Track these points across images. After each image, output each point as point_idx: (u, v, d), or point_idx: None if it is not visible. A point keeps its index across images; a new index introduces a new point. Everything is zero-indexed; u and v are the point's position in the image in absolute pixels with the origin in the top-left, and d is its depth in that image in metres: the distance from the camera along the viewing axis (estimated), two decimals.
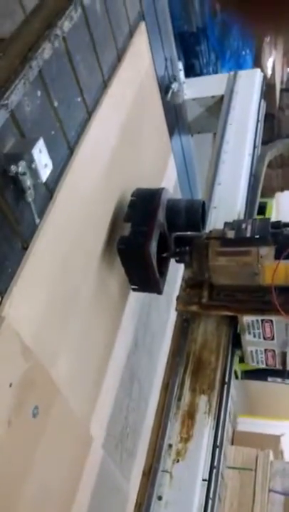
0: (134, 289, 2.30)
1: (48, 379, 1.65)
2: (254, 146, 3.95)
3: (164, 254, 2.25)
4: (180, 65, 3.37)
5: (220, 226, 2.42)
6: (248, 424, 5.75)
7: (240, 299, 2.53)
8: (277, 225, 2.34)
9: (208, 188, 3.69)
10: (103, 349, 2.17)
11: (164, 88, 2.90)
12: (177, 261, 2.41)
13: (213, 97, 4.31)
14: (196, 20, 4.76)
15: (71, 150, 1.80)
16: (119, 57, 2.25)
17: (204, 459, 2.51)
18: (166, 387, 2.75)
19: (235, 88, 4.28)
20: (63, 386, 1.74)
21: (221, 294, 2.57)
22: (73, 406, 1.84)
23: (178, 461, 2.52)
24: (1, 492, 1.44)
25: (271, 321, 2.55)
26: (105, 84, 2.10)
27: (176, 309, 2.78)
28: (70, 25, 1.73)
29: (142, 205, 2.14)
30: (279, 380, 2.97)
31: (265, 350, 2.68)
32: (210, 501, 2.40)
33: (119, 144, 2.19)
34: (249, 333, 2.63)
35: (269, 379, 3.02)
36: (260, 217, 5.80)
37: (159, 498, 2.44)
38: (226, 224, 2.38)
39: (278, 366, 2.71)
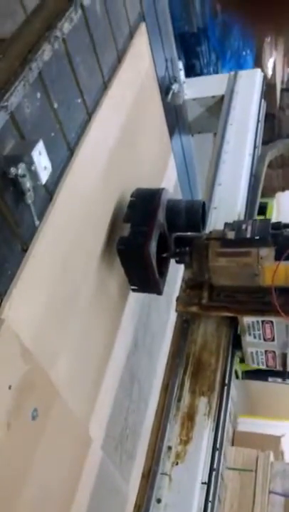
0: (133, 290, 2.30)
1: (47, 381, 1.64)
2: (254, 146, 3.95)
3: (164, 255, 2.24)
4: (180, 65, 3.37)
5: (220, 226, 2.42)
6: (248, 425, 5.74)
7: (240, 299, 2.53)
8: (278, 226, 2.34)
9: (208, 188, 3.68)
10: (103, 350, 2.17)
11: (165, 89, 2.90)
12: (177, 261, 2.41)
13: (213, 97, 4.30)
14: (196, 21, 4.76)
15: (71, 151, 1.80)
16: (120, 59, 2.25)
17: (204, 462, 2.50)
18: (166, 389, 2.74)
19: (236, 88, 4.27)
20: (62, 387, 1.73)
21: (221, 294, 2.57)
22: (72, 407, 1.84)
23: (177, 463, 2.51)
24: (1, 494, 1.44)
25: (271, 322, 2.55)
26: (105, 86, 2.10)
27: (176, 310, 2.78)
28: (70, 27, 1.73)
29: (142, 206, 2.13)
30: (279, 380, 2.97)
31: (266, 351, 2.68)
32: (209, 504, 2.39)
33: (119, 144, 2.19)
34: (249, 334, 2.63)
35: (270, 379, 3.01)
36: (261, 217, 5.81)
37: (158, 500, 2.43)
38: (226, 225, 2.37)
39: (278, 367, 2.71)
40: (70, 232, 1.77)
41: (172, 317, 3.04)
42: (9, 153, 1.41)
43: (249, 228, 2.30)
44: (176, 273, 2.85)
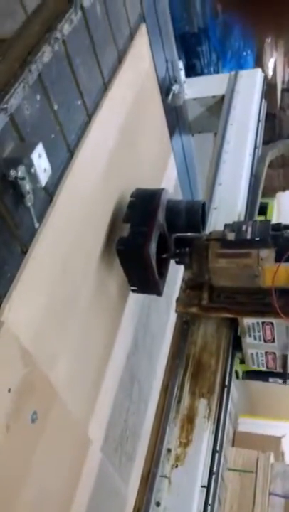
0: (133, 290, 2.29)
1: (46, 383, 1.64)
2: (255, 147, 3.94)
3: (164, 256, 2.24)
4: (180, 64, 3.37)
5: (220, 227, 2.41)
6: (248, 425, 5.74)
7: (240, 301, 2.52)
8: (278, 227, 2.33)
9: (208, 188, 3.68)
10: (102, 350, 2.17)
11: (165, 90, 2.89)
12: (177, 262, 2.41)
13: (214, 96, 4.29)
14: (197, 21, 4.75)
15: (71, 153, 1.80)
16: (120, 60, 2.24)
17: (203, 465, 2.49)
18: (166, 390, 2.74)
19: (236, 88, 4.27)
20: (62, 389, 1.73)
21: (221, 295, 2.56)
22: (72, 409, 1.84)
23: (177, 466, 2.50)
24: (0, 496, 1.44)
25: (272, 323, 2.55)
26: (106, 87, 2.10)
27: (176, 311, 2.77)
28: (70, 28, 1.73)
29: (142, 206, 2.13)
30: (280, 381, 2.97)
31: (266, 352, 2.67)
32: (209, 508, 2.38)
33: (118, 145, 2.19)
34: (249, 335, 2.63)
35: (270, 379, 3.01)
36: (261, 217, 5.81)
37: (157, 503, 2.42)
38: (226, 226, 2.37)
39: (279, 369, 2.70)
40: (69, 233, 1.77)
41: (172, 318, 3.04)
42: (9, 155, 1.41)
43: (249, 229, 2.30)
44: (176, 274, 2.85)
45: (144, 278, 2.13)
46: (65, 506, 1.84)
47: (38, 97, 1.58)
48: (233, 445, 5.07)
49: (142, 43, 2.45)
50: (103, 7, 2.05)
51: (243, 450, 4.69)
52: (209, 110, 4.31)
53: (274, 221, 5.91)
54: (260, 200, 3.90)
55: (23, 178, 1.39)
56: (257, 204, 3.76)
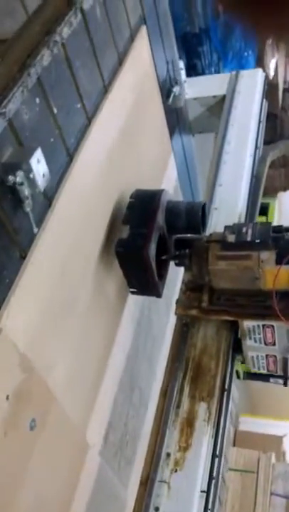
0: (132, 292, 2.27)
1: (45, 389, 1.64)
2: (256, 147, 3.93)
3: (164, 257, 2.23)
4: (181, 64, 3.36)
5: (221, 227, 2.39)
6: (249, 424, 5.73)
7: (240, 303, 2.51)
8: (279, 229, 2.32)
9: (209, 189, 3.67)
10: (102, 353, 2.16)
11: (166, 92, 2.89)
12: (177, 264, 2.40)
13: (214, 96, 4.28)
14: (198, 21, 4.75)
15: (70, 157, 1.79)
16: (120, 62, 2.23)
17: (203, 469, 2.47)
18: (165, 394, 2.73)
19: (237, 88, 4.26)
20: (61, 394, 1.73)
21: (222, 298, 2.55)
22: (70, 414, 1.83)
23: (176, 470, 2.49)
24: None
25: (272, 326, 2.53)
26: (106, 89, 2.09)
27: (176, 313, 2.76)
28: (70, 32, 1.72)
29: (141, 207, 2.11)
30: (281, 381, 2.96)
31: (267, 355, 2.66)
32: None
33: (118, 147, 2.18)
34: (250, 338, 2.62)
35: (271, 380, 3.00)
36: (263, 218, 5.81)
37: (156, 509, 2.41)
38: (227, 227, 2.36)
39: (279, 372, 2.70)
40: (68, 237, 1.77)
41: (172, 320, 3.03)
42: (7, 160, 1.40)
43: (250, 231, 2.29)
44: (176, 275, 2.84)
45: (143, 280, 2.12)
46: (62, 510, 1.83)
47: (37, 101, 1.57)
48: (234, 445, 5.07)
49: (142, 44, 2.44)
50: (103, 9, 2.04)
51: (244, 450, 4.69)
52: (210, 110, 4.30)
53: (275, 222, 5.93)
54: (261, 200, 3.89)
55: (21, 184, 1.39)
56: (258, 205, 3.75)
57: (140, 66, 2.45)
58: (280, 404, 5.87)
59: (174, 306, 2.74)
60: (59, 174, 1.72)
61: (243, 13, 0.98)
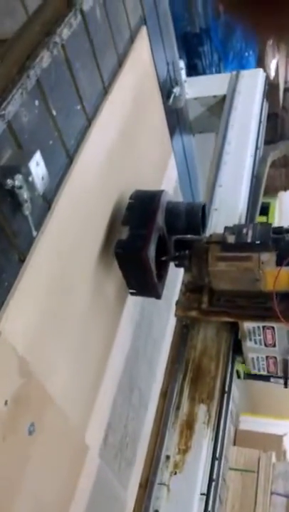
0: (132, 293, 2.26)
1: (43, 393, 1.63)
2: (256, 147, 3.93)
3: (163, 258, 2.22)
4: (181, 63, 3.35)
5: (221, 228, 2.39)
6: (250, 423, 5.72)
7: (240, 304, 2.51)
8: (279, 230, 2.32)
9: (209, 189, 3.67)
10: (101, 354, 2.16)
11: (166, 92, 2.88)
12: (176, 265, 2.40)
13: (215, 96, 4.28)
14: (199, 21, 4.75)
15: (70, 159, 1.78)
16: (120, 63, 2.22)
17: (203, 472, 2.46)
18: (165, 395, 2.72)
19: (238, 88, 4.26)
20: (59, 396, 1.72)
21: (222, 299, 2.55)
22: (69, 416, 1.82)
23: (176, 473, 2.48)
24: None
25: (273, 327, 2.53)
26: (106, 91, 2.08)
27: (176, 315, 2.76)
28: (70, 33, 1.71)
29: (141, 208, 2.10)
30: (281, 381, 2.96)
31: (267, 357, 2.66)
32: None
33: (118, 148, 2.17)
34: (250, 339, 2.62)
35: (272, 379, 3.00)
36: (263, 218, 5.80)
37: (156, 511, 2.41)
38: (227, 228, 2.35)
39: (280, 373, 2.69)
40: (67, 239, 1.76)
41: (172, 321, 3.02)
42: (6, 163, 1.39)
43: (250, 232, 2.28)
44: (176, 276, 2.83)
45: (142, 281, 2.11)
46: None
47: (37, 103, 1.56)
48: (234, 444, 5.07)
49: (142, 45, 2.43)
50: (103, 10, 2.03)
51: (245, 449, 4.68)
52: (210, 110, 4.30)
53: (276, 221, 5.92)
54: (261, 200, 3.89)
55: (20, 187, 1.38)
56: (258, 205, 3.75)
57: (140, 67, 2.45)
58: (280, 404, 5.86)
59: (173, 308, 2.74)
60: (58, 176, 1.71)
61: (244, 13, 0.98)
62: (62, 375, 1.76)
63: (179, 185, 3.28)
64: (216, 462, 2.48)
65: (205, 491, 2.40)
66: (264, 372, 2.74)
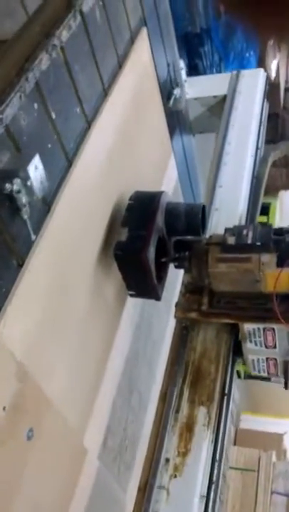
0: (131, 295, 2.26)
1: (42, 397, 1.62)
2: (257, 148, 3.91)
3: (163, 260, 2.21)
4: (182, 63, 3.34)
5: (221, 229, 2.38)
6: (250, 422, 5.72)
7: (241, 306, 2.51)
8: (280, 231, 2.31)
9: (209, 190, 3.65)
10: (100, 356, 2.15)
11: (166, 94, 2.87)
12: (176, 266, 2.39)
13: (215, 96, 4.27)
14: (199, 22, 4.74)
15: (69, 162, 1.77)
16: (120, 64, 2.22)
17: (203, 475, 2.45)
18: (164, 398, 2.71)
19: (238, 88, 4.24)
20: (58, 401, 1.71)
21: (222, 301, 2.54)
22: (68, 419, 1.82)
23: (175, 476, 2.47)
24: None
25: (273, 329, 2.53)
26: (106, 93, 2.07)
27: (175, 316, 2.75)
28: (69, 35, 1.70)
29: (140, 209, 2.09)
30: (282, 381, 2.95)
31: (267, 358, 2.65)
32: None
33: (118, 149, 2.17)
34: (250, 341, 2.61)
35: (272, 379, 2.99)
36: (264, 218, 5.79)
37: None
38: (227, 230, 2.34)
39: (280, 375, 2.69)
40: (67, 242, 1.75)
41: (171, 322, 3.01)
42: (4, 167, 1.38)
43: (250, 234, 2.28)
44: (176, 277, 2.83)
45: (142, 283, 2.10)
46: None
47: (35, 106, 1.55)
48: (235, 443, 5.07)
49: (142, 47, 2.42)
50: (103, 11, 2.02)
51: (245, 449, 4.68)
52: (210, 110, 4.28)
53: (276, 221, 5.90)
54: (262, 201, 3.88)
55: (18, 192, 1.37)
56: (259, 206, 3.74)
57: (140, 68, 2.44)
58: (280, 402, 5.86)
59: (173, 309, 2.73)
60: (58, 179, 1.70)
61: (245, 13, 0.97)
62: (61, 378, 1.75)
63: (179, 186, 3.28)
64: (216, 464, 2.47)
65: (205, 493, 2.39)
66: (264, 374, 2.73)
